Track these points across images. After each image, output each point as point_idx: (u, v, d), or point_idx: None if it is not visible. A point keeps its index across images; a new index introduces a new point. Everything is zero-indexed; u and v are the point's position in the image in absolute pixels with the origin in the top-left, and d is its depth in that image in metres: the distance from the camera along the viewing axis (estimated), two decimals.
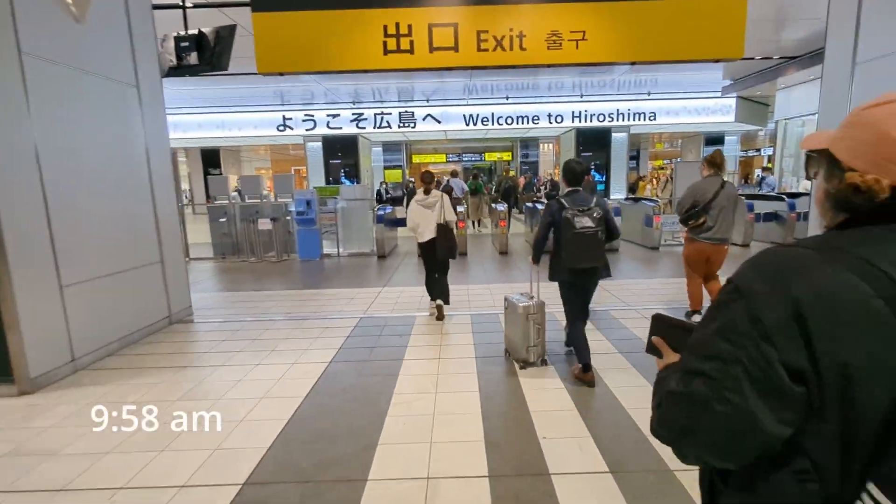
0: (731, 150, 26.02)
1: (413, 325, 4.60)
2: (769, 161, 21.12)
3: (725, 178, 4.09)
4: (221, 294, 6.45)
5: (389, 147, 25.68)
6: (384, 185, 14.94)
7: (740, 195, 5.30)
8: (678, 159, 25.56)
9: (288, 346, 4.10)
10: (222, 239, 9.32)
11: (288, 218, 8.94)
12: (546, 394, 3.08)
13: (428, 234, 4.61)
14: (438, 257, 4.67)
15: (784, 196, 8.71)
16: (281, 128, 13.97)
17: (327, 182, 14.74)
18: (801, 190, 10.12)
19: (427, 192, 4.70)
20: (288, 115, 13.88)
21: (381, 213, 8.79)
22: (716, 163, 4.11)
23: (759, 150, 31.35)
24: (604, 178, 14.81)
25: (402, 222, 9.82)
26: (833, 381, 0.60)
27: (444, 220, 4.62)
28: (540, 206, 9.63)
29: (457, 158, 28.35)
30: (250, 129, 14.10)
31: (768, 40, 8.51)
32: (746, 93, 12.20)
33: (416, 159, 27.46)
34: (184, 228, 9.20)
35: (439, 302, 4.76)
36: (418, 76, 10.71)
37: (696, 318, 3.31)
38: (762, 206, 8.75)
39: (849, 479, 0.62)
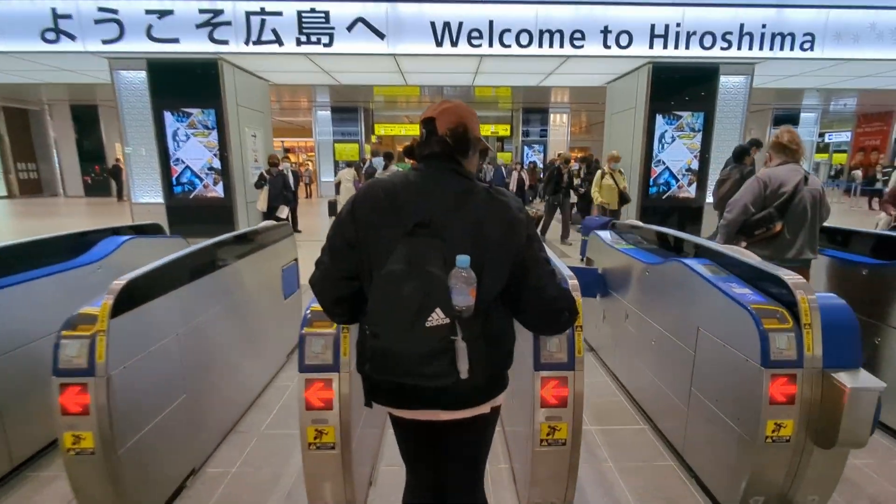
0: (807, 135, 19.37)
1: None
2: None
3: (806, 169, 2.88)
4: None
5: (342, 114, 18.44)
6: (277, 169, 7.74)
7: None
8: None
9: None
10: None
11: None
12: None
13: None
14: None
15: None
16: (51, 36, 6.67)
17: (163, 159, 7.51)
18: None
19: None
20: (62, 5, 6.60)
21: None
22: (789, 147, 2.86)
23: (821, 135, 24.58)
24: (693, 165, 7.83)
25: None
26: (363, 239, 1.22)
27: None
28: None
29: None
30: None
31: None
32: None
33: (379, 131, 20.17)
34: None
35: None
36: None
37: None
38: None
39: (368, 286, 1.21)
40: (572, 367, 1.82)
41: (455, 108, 1.30)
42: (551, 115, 17.63)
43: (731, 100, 7.73)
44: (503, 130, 19.33)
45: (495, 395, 1.35)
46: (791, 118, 18.45)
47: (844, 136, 21.70)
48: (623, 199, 7.45)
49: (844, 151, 21.85)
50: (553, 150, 17.64)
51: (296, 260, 3.93)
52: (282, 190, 7.46)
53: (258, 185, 7.49)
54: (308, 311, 1.85)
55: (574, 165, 9.59)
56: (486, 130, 19.13)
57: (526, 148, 18.25)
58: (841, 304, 1.91)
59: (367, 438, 2.29)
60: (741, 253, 2.31)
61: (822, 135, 23.76)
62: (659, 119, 7.68)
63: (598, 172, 7.61)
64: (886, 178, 13.43)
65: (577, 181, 9.08)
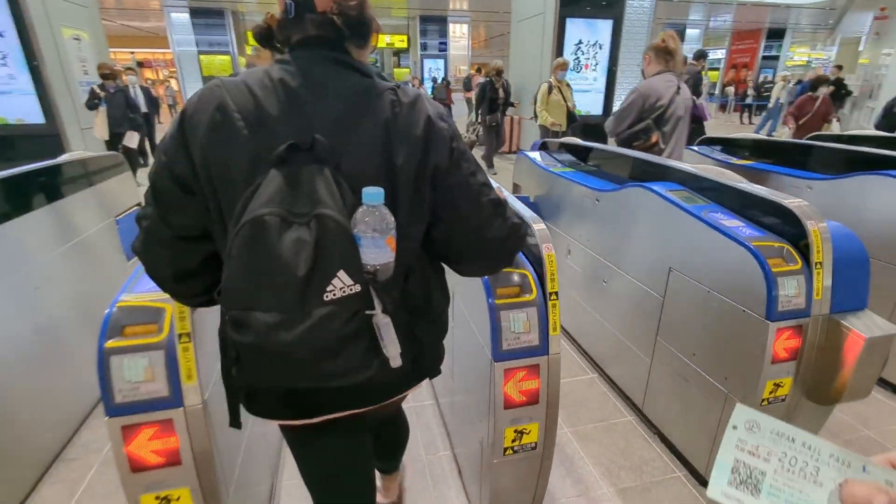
0: (692, 52, 20.27)
1: None
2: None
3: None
4: None
5: (206, 19, 15.39)
6: (115, 83, 6.00)
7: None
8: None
9: None
10: None
11: None
12: None
13: None
14: None
15: None
16: None
17: None
18: None
19: None
20: None
21: None
22: (669, 50, 2.66)
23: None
24: (597, 83, 7.53)
25: None
26: (205, 175, 0.76)
27: None
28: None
29: None
30: None
31: None
32: None
33: (253, 41, 17.37)
34: None
35: None
36: None
37: None
38: None
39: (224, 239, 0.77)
40: (545, 352, 1.29)
41: None
42: (450, 26, 16.31)
43: (637, 7, 7.36)
44: (399, 42, 17.66)
45: (432, 375, 1.03)
46: (679, 35, 19.08)
47: (720, 54, 23.09)
48: (571, 118, 6.11)
49: (717, 69, 23.40)
50: (454, 65, 16.57)
51: (139, 204, 2.91)
52: (125, 111, 5.83)
53: (90, 106, 5.78)
54: (114, 309, 1.08)
55: (480, 80, 8.70)
56: (381, 42, 17.30)
57: (425, 61, 16.92)
58: (848, 234, 1.56)
59: (259, 446, 1.65)
60: (720, 174, 1.89)
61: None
62: (569, 26, 7.12)
63: (543, 86, 6.11)
64: (767, 94, 14.50)
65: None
